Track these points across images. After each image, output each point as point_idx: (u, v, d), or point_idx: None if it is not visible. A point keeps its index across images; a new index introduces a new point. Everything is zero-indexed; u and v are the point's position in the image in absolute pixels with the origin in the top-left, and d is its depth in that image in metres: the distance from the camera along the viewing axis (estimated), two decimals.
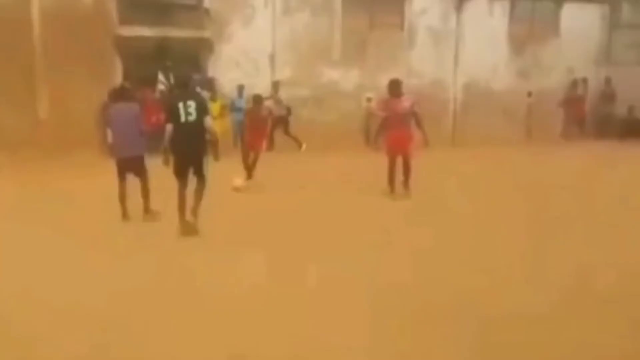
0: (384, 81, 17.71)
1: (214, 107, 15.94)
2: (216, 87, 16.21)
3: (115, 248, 7.33)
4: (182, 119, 7.70)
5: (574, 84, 19.88)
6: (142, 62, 16.08)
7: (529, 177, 12.16)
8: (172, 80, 16.41)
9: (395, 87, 10.20)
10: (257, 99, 11.71)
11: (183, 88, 8.22)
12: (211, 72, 16.84)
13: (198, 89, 15.92)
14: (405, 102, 10.09)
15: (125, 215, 8.79)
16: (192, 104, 7.75)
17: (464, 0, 19.41)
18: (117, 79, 15.58)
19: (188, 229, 7.88)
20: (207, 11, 16.93)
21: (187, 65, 16.79)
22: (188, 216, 7.92)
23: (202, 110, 7.88)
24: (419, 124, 10.19)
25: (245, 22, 17.34)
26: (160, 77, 16.30)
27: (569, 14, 20.45)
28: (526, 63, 19.80)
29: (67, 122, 15.43)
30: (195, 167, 7.92)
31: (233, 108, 16.37)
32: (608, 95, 19.97)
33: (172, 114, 7.76)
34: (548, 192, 10.49)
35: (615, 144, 18.11)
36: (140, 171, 8.83)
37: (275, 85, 16.54)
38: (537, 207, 9.24)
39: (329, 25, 18.06)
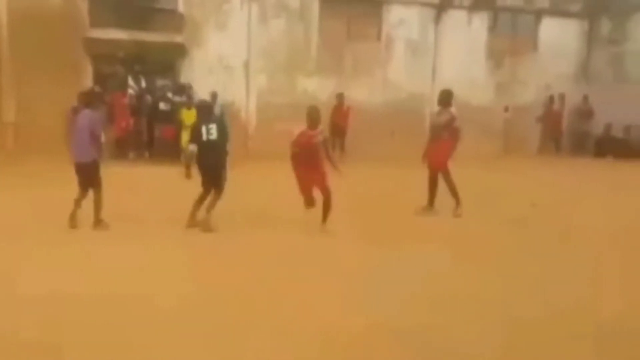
0: (360, 92, 18.35)
1: (190, 115, 16.10)
2: (192, 94, 16.34)
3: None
4: (204, 137, 8.98)
5: (552, 99, 20.37)
6: (113, 65, 16.25)
7: (499, 195, 12.34)
8: (143, 84, 16.61)
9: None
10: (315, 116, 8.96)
11: (207, 114, 9.47)
12: (184, 77, 17.04)
13: (170, 95, 16.20)
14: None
15: (72, 223, 8.76)
16: (213, 126, 9.05)
17: (443, 11, 19.84)
18: (87, 82, 15.72)
19: (202, 225, 8.92)
20: (181, 16, 17.18)
21: (160, 70, 17.04)
22: (201, 215, 9.04)
23: (223, 132, 9.15)
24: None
25: (220, 28, 17.62)
26: (131, 81, 16.47)
27: (548, 28, 21.05)
28: (504, 77, 20.31)
29: (34, 125, 15.52)
30: (214, 180, 9.11)
31: None
32: (585, 112, 20.51)
33: (196, 135, 9.06)
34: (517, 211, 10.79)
35: (590, 161, 18.61)
36: (92, 178, 8.82)
37: None
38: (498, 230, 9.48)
39: (305, 34, 18.42)
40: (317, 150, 8.78)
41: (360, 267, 7.23)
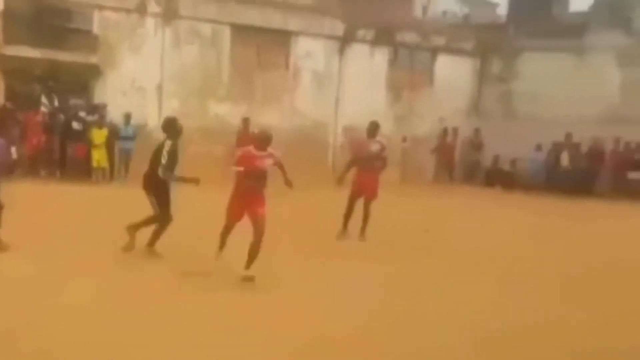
0: (269, 118, 19.22)
1: (100, 135, 16.57)
2: (105, 114, 16.76)
3: None
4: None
5: (446, 132, 21.95)
6: (27, 83, 16.47)
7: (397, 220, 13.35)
8: (56, 103, 16.91)
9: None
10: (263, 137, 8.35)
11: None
12: (98, 98, 17.46)
13: (83, 114, 16.57)
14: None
15: None
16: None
17: (347, 45, 21.09)
18: (0, 99, 15.89)
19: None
20: (96, 37, 17.61)
21: (74, 89, 17.38)
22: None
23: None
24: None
25: (134, 50, 18.15)
26: (44, 99, 16.73)
27: (443, 65, 22.78)
28: (403, 109, 21.76)
29: None
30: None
31: (119, 136, 16.98)
32: (476, 145, 22.23)
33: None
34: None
35: (480, 190, 20.20)
36: None
37: None
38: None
39: (217, 60, 19.24)
40: (262, 175, 8.06)
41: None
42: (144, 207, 8.91)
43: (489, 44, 23.95)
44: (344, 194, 11.21)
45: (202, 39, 19.00)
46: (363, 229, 10.97)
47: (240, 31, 19.35)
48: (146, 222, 8.88)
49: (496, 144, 21.42)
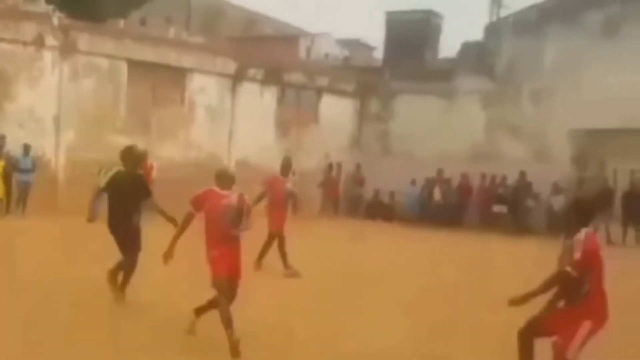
0: (166, 151, 19.90)
1: None
2: (3, 144, 16.87)
3: None
4: None
5: (330, 167, 23.38)
6: None
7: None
8: None
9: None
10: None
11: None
12: None
13: None
14: None
15: None
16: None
17: (238, 82, 22.16)
18: None
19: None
20: None
21: None
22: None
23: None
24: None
25: (31, 83, 18.31)
26: None
27: (327, 104, 24.34)
28: (291, 145, 22.93)
29: None
30: None
31: (17, 168, 17.06)
32: (358, 180, 23.80)
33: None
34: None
35: (362, 222, 21.72)
36: None
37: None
38: None
39: (114, 94, 19.70)
40: (228, 218, 6.78)
41: None
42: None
43: (368, 86, 25.71)
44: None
45: (100, 73, 19.43)
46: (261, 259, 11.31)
47: (137, 66, 19.93)
48: (119, 270, 8.35)
49: (376, 179, 23.05)
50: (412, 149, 23.32)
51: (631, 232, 19.64)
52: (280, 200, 11.50)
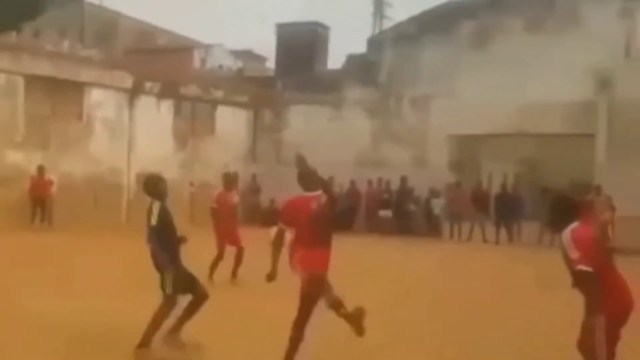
0: (65, 165, 20.15)
1: None
2: None
3: None
4: None
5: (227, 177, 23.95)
6: None
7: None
8: None
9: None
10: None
11: None
12: None
13: None
14: None
15: None
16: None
17: (135, 96, 22.59)
18: None
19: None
20: None
21: None
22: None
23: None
24: None
25: None
26: None
27: (222, 115, 25.07)
28: (189, 156, 23.61)
29: None
30: None
31: None
32: (255, 189, 24.65)
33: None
34: None
35: (259, 229, 22.49)
36: None
37: None
38: None
39: (12, 109, 19.73)
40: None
41: None
42: None
43: (261, 97, 26.59)
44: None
45: None
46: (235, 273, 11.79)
47: (34, 81, 20.01)
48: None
49: (271, 188, 23.94)
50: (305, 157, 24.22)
51: (504, 232, 21.27)
52: (232, 216, 12.21)
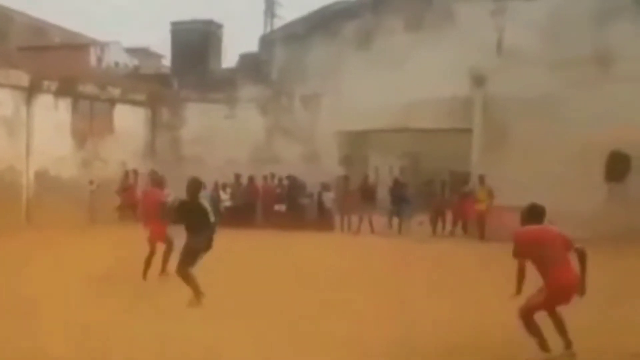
0: None
1: None
2: None
3: None
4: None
5: (127, 174, 23.99)
6: None
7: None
8: None
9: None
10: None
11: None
12: None
13: None
14: None
15: None
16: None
17: (33, 95, 22.29)
18: None
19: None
20: None
21: None
22: None
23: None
24: None
25: None
26: None
27: (120, 113, 25.00)
28: (88, 154, 23.53)
29: None
30: None
31: None
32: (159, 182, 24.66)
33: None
34: None
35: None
36: None
37: None
38: None
39: None
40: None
41: None
42: None
43: (158, 95, 26.70)
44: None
45: None
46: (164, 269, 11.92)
47: None
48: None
49: (171, 184, 24.13)
50: (202, 154, 24.43)
51: (396, 222, 22.17)
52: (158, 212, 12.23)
